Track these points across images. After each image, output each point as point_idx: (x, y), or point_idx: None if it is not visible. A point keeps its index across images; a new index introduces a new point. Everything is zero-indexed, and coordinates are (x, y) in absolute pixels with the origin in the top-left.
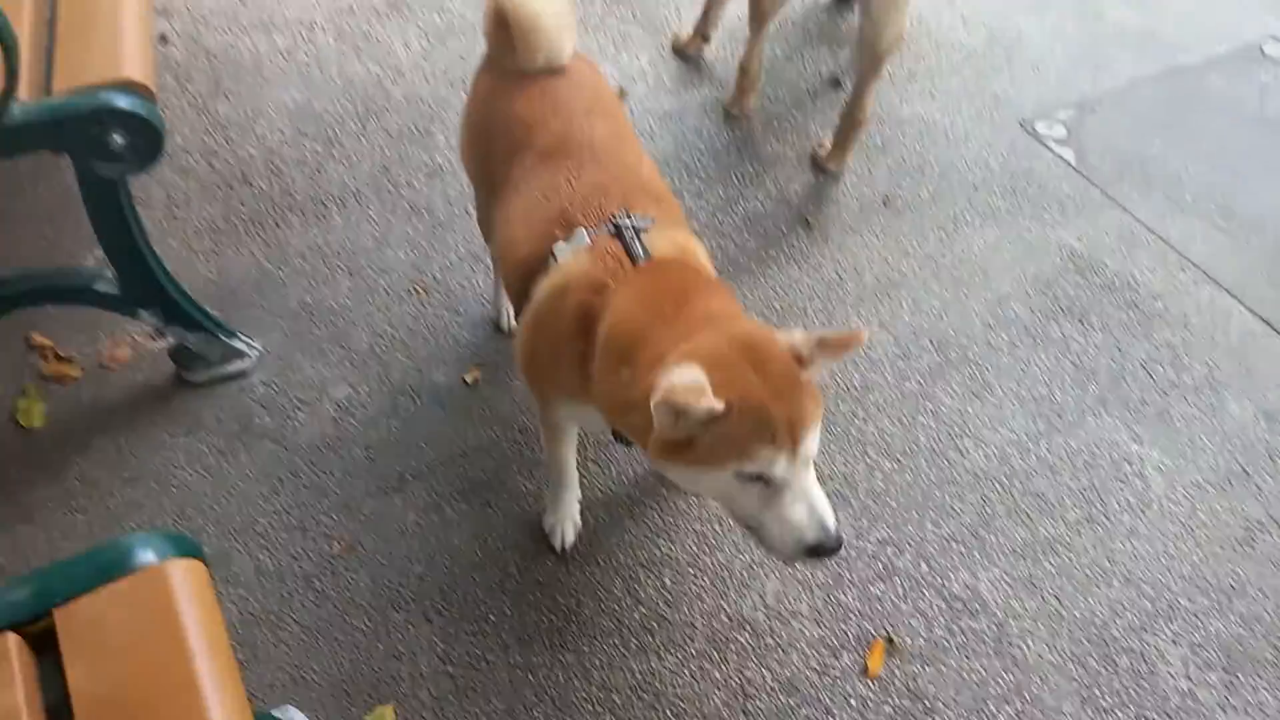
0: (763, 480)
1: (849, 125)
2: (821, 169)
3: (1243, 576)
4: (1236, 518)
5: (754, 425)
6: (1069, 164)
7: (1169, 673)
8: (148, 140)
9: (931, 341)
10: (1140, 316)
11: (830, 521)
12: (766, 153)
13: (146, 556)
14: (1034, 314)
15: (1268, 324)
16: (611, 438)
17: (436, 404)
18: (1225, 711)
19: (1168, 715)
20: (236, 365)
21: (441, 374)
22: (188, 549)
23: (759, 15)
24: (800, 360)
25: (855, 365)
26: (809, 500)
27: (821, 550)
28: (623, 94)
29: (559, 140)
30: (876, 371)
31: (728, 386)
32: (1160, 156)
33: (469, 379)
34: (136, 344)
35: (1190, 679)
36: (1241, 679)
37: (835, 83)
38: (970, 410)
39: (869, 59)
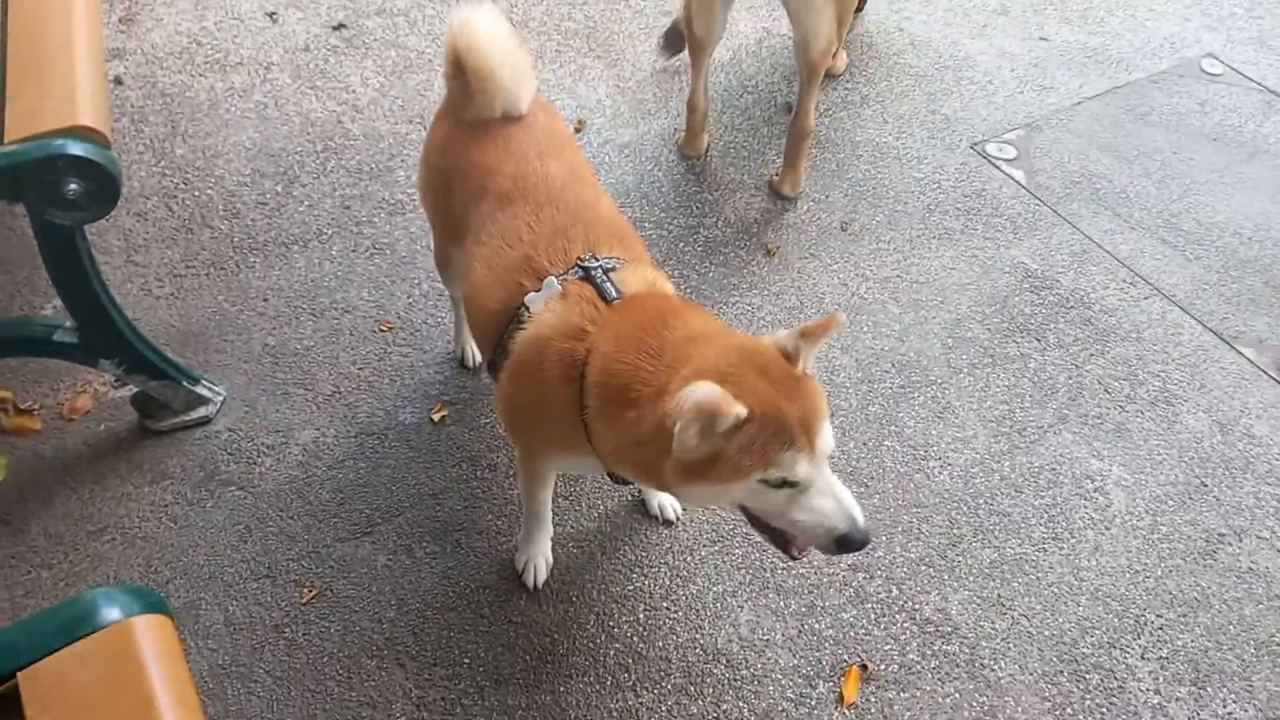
0: (788, 483)
1: (795, 137)
2: (778, 194)
3: (1206, 588)
4: (1197, 530)
5: (773, 430)
6: (1019, 184)
7: (1139, 688)
8: (104, 186)
9: (893, 364)
10: (1094, 332)
11: (857, 513)
12: (725, 180)
13: (111, 613)
14: (991, 333)
15: (1218, 335)
16: (608, 479)
17: (404, 444)
18: None
19: None
20: (200, 412)
21: (408, 413)
22: (153, 604)
23: (696, 45)
24: (789, 357)
25: None
26: (834, 493)
27: (851, 541)
28: (581, 126)
29: (514, 184)
30: (840, 396)
31: (743, 395)
32: (1107, 174)
33: (436, 417)
34: (98, 393)
35: (1160, 693)
36: (1210, 691)
37: (790, 109)
38: (934, 432)
39: (804, 68)
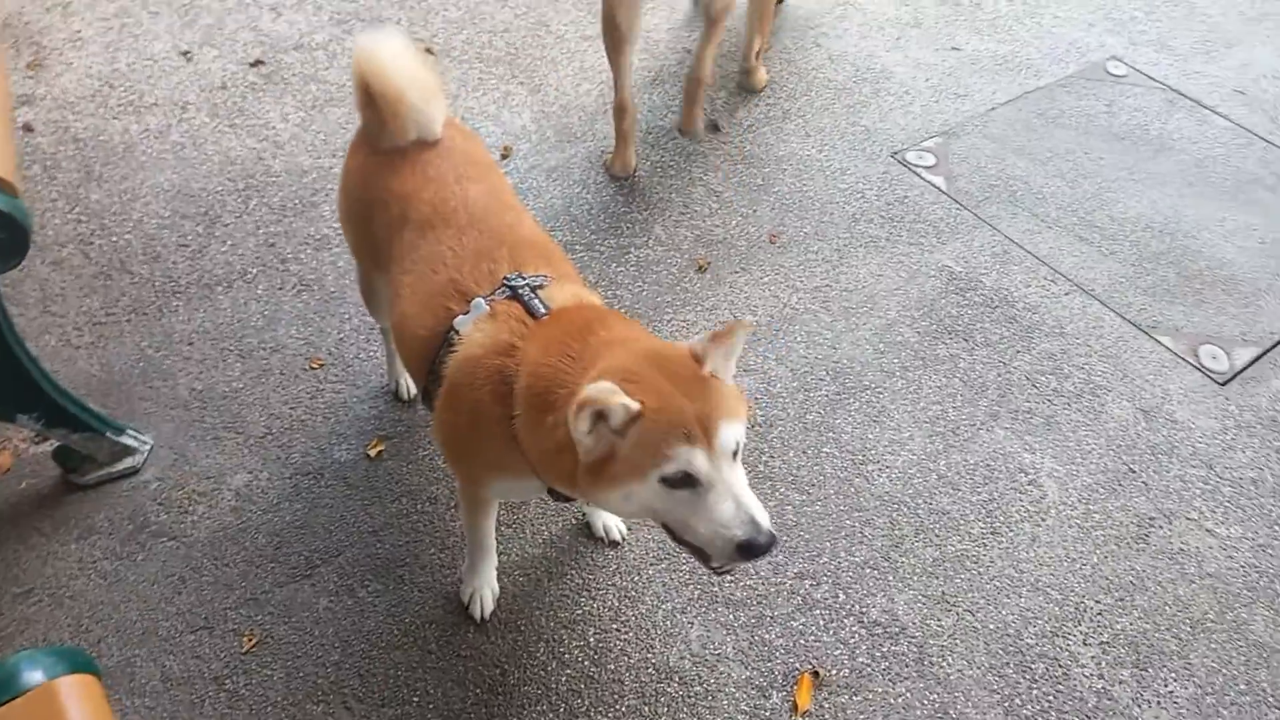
0: (688, 483)
1: (691, 84)
2: (679, 131)
3: (1141, 572)
4: (1129, 515)
5: (668, 424)
6: (940, 190)
7: (1083, 674)
8: (13, 237)
9: (827, 372)
10: (1020, 330)
11: (760, 517)
12: (654, 200)
13: (34, 676)
14: (921, 336)
15: (1136, 326)
16: (550, 498)
17: (341, 482)
18: (1140, 706)
19: (1086, 716)
20: (127, 462)
21: (344, 450)
22: (79, 664)
23: (618, 40)
24: (698, 359)
25: (757, 402)
26: (736, 497)
27: (753, 548)
28: (507, 152)
29: (434, 210)
30: (778, 406)
31: (639, 393)
32: (1023, 176)
33: (373, 453)
34: (17, 450)
35: (1104, 678)
36: (1151, 672)
37: (715, 127)
38: (870, 436)
39: (707, 22)
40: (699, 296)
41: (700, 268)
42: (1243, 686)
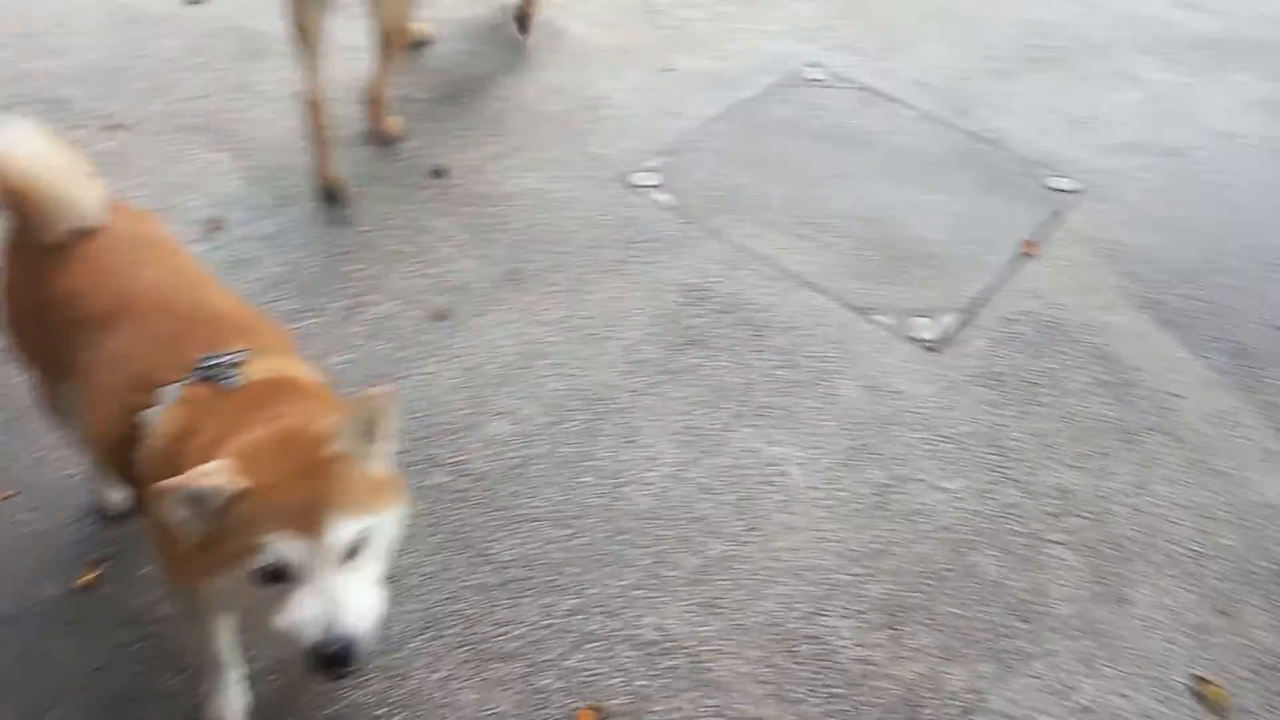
0: (283, 578)
1: (369, 100)
2: (380, 140)
3: (884, 537)
4: (867, 486)
5: (268, 510)
6: (666, 207)
7: (844, 646)
8: None
9: (579, 401)
10: (754, 330)
11: (341, 621)
12: (384, 252)
13: None
14: (664, 351)
15: (854, 309)
16: None
17: (49, 623)
18: (898, 663)
19: (852, 684)
20: None
21: (50, 586)
22: None
23: (303, 42)
24: (330, 441)
25: (510, 445)
26: (325, 596)
27: (329, 657)
28: (217, 225)
29: (111, 302)
30: (532, 445)
31: (249, 474)
32: (742, 183)
33: (84, 582)
34: None
35: (863, 645)
36: (902, 629)
37: (437, 173)
38: (625, 457)
39: (376, 44)
40: (440, 346)
41: (439, 316)
42: (981, 624)
